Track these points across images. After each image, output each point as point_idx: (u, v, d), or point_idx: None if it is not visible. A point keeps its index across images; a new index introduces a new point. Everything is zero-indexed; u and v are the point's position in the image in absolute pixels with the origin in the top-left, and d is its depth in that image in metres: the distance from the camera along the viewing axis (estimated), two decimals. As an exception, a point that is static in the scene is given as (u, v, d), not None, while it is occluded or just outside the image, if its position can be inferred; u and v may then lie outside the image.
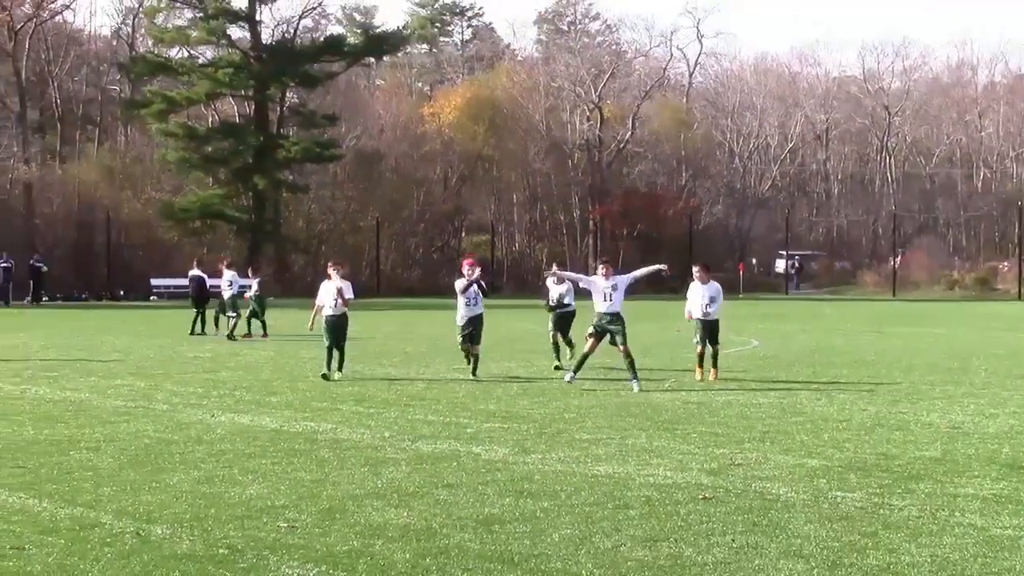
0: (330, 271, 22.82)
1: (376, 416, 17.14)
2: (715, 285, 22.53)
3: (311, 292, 38.59)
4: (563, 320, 24.23)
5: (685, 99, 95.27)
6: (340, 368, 22.30)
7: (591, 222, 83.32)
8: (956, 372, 23.91)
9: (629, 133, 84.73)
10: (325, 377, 21.73)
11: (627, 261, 78.26)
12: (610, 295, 20.73)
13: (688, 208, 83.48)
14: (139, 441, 14.79)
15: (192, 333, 33.88)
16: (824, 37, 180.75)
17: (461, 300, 22.37)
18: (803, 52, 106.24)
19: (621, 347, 20.41)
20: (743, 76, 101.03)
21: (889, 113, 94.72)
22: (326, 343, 22.18)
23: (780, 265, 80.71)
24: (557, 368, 23.32)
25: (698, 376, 21.98)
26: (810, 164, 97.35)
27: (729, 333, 34.17)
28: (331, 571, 8.66)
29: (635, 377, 20.22)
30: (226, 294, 33.46)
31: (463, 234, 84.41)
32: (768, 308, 56.55)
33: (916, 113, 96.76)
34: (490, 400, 18.66)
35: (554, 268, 24.29)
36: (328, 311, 22.18)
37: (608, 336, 20.63)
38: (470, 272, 22.61)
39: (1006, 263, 76.89)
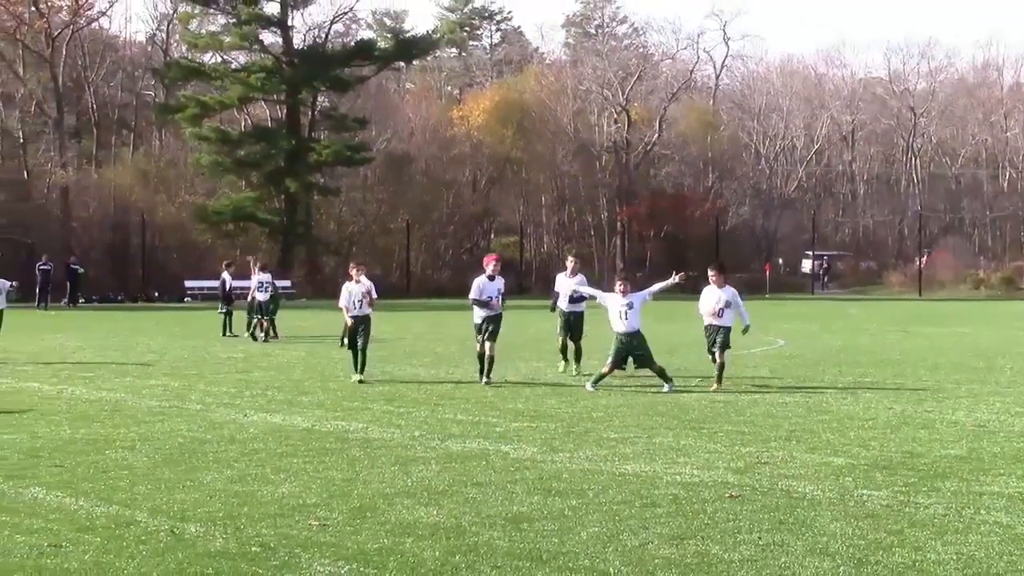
0: (352, 272, 22.37)
1: (406, 415, 17.17)
2: (731, 290, 20.97)
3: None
4: (575, 323, 23.01)
5: (712, 101, 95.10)
6: (362, 370, 21.66)
7: (618, 223, 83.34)
8: (982, 371, 23.83)
9: (656, 135, 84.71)
10: (361, 382, 21.28)
11: (654, 262, 78.62)
12: (625, 313, 19.99)
13: (715, 209, 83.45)
14: (173, 440, 14.85)
15: (224, 335, 33.90)
16: (850, 38, 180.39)
17: (483, 298, 21.15)
18: (829, 54, 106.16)
19: (649, 367, 20.09)
20: (769, 78, 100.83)
21: (915, 114, 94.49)
22: (350, 346, 21.98)
23: (807, 265, 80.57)
24: (565, 369, 22.91)
25: (713, 388, 20.30)
26: (836, 165, 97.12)
27: (757, 332, 34.08)
28: (362, 569, 8.68)
29: (667, 380, 19.82)
30: (260, 296, 33.40)
31: (492, 235, 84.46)
32: (794, 308, 56.43)
33: (942, 114, 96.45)
34: (518, 399, 18.66)
35: (572, 259, 23.95)
36: (355, 312, 21.76)
37: (633, 360, 20.24)
38: (494, 268, 21.39)
39: (1030, 263, 76.66)
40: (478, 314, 21.21)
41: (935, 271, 75.99)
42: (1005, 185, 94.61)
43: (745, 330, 21.39)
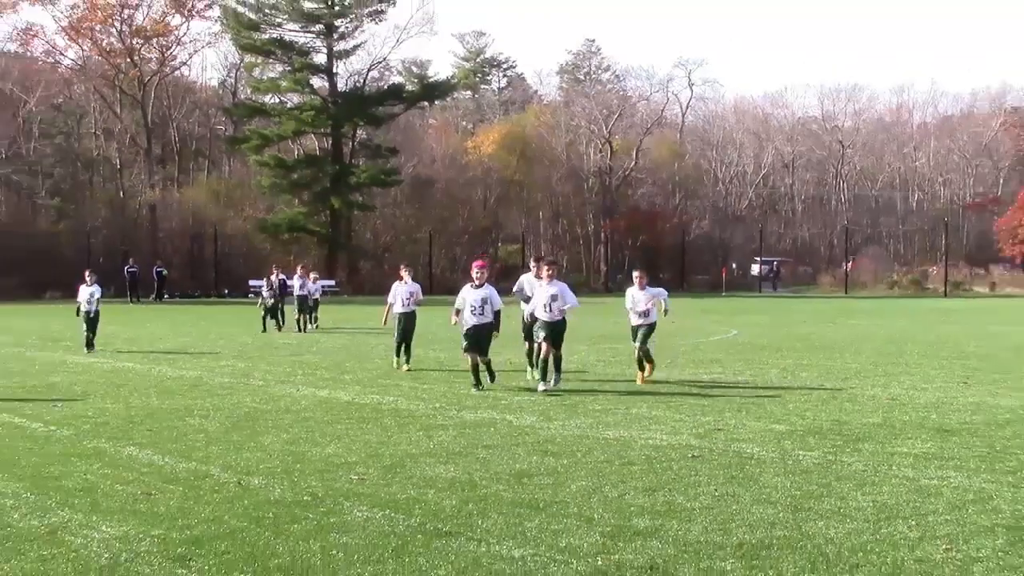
0: (403, 273, 21.30)
1: (428, 391, 17.22)
2: (653, 291, 18.35)
3: (377, 290, 38.25)
4: (556, 330, 17.04)
5: (679, 134, 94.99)
6: (408, 361, 20.39)
7: (602, 234, 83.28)
8: (894, 355, 23.87)
9: (633, 162, 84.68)
10: (401, 367, 20.32)
11: (632, 266, 78.34)
12: (549, 306, 16.85)
13: (681, 223, 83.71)
14: (240, 410, 14.94)
15: (280, 328, 33.51)
16: (791, 84, 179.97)
17: (467, 307, 17.12)
18: (774, 96, 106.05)
19: (554, 350, 16.77)
20: (725, 116, 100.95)
21: (843, 146, 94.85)
22: (396, 339, 20.68)
23: (755, 269, 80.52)
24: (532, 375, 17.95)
25: (638, 380, 17.98)
26: (779, 187, 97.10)
27: (714, 325, 34.07)
28: (392, 515, 8.74)
29: (557, 372, 16.96)
30: (302, 294, 33.08)
31: (499, 244, 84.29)
32: (745, 304, 56.38)
33: (864, 146, 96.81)
34: (520, 379, 18.65)
35: (542, 266, 17.81)
36: (399, 308, 20.65)
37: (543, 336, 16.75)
38: (480, 275, 17.17)
39: (935, 267, 76.61)
40: (465, 322, 17.21)
41: (858, 274, 75.96)
42: (914, 204, 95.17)
43: (666, 312, 18.87)
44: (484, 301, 17.07)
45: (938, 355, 23.91)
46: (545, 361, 16.73)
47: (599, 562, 7.41)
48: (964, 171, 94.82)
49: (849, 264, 77.58)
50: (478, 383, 17.05)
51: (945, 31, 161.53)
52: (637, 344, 18.06)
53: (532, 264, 18.85)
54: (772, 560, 7.47)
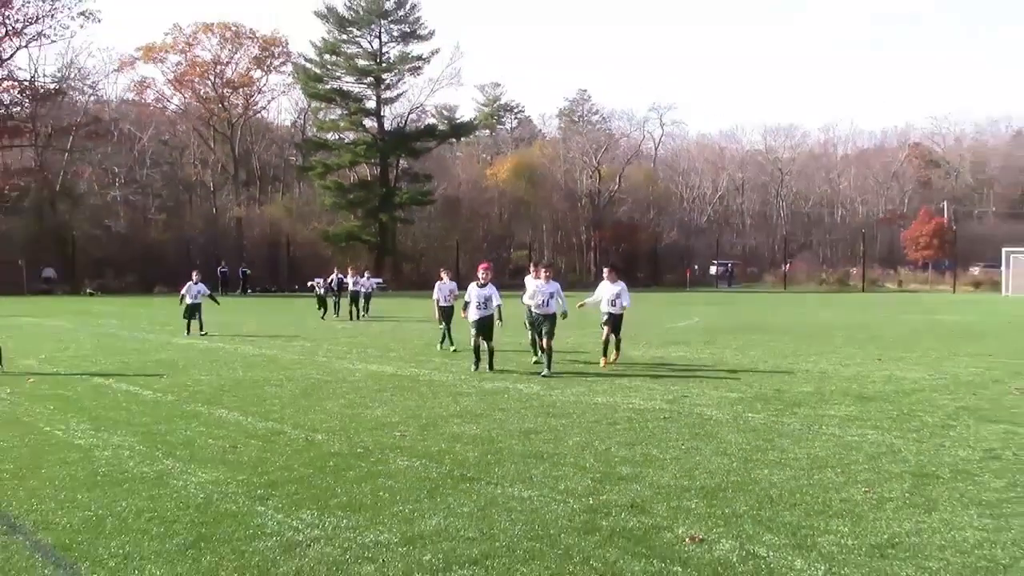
0: (443, 274, 20.99)
1: (455, 366, 17.20)
2: (622, 284, 16.89)
3: (416, 286, 38.01)
4: (553, 321, 16.06)
5: (653, 164, 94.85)
6: (451, 343, 19.57)
7: (592, 242, 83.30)
8: (823, 337, 23.79)
9: (616, 186, 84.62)
10: (455, 351, 19.30)
11: (615, 268, 78.20)
12: (547, 301, 16.00)
13: (654, 234, 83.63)
14: (307, 380, 14.95)
15: (337, 315, 33.42)
16: (740, 123, 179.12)
17: (473, 302, 16.23)
18: (728, 133, 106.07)
19: (548, 341, 15.74)
20: (689, 149, 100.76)
21: (782, 173, 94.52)
22: (441, 325, 19.89)
23: (713, 269, 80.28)
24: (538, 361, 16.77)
25: (602, 364, 16.60)
26: (731, 205, 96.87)
27: (680, 314, 33.96)
28: (427, 463, 8.74)
29: (549, 365, 15.60)
30: (362, 288, 33.15)
31: (511, 250, 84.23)
32: (704, 298, 56.26)
33: (799, 173, 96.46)
34: (530, 357, 18.61)
35: (540, 269, 16.93)
36: (443, 303, 19.98)
37: (541, 334, 16.03)
38: (484, 275, 16.41)
39: (855, 268, 76.27)
40: (472, 315, 16.26)
41: (794, 273, 75.82)
42: (839, 219, 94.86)
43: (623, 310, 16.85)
44: (487, 298, 16.19)
45: (856, 338, 23.83)
46: (547, 351, 15.66)
47: (591, 501, 7.40)
48: (877, 193, 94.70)
49: (787, 266, 77.39)
50: (477, 361, 16.22)
51: (862, 79, 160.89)
52: (605, 330, 16.77)
53: (532, 268, 18.02)
54: (728, 500, 7.44)
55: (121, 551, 6.20)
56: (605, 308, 16.71)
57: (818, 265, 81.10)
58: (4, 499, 7.45)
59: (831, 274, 75.71)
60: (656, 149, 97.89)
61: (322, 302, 32.95)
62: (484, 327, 16.22)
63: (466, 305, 16.54)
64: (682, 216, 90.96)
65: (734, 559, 6.09)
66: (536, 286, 16.32)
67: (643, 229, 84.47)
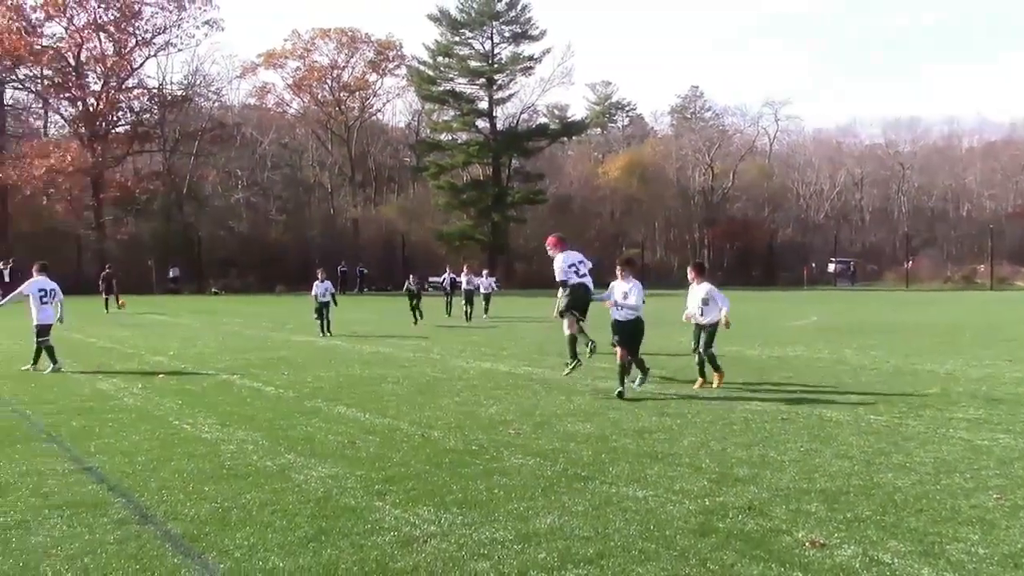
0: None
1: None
2: (707, 286, 13.62)
3: (528, 285, 37.97)
4: (627, 330, 12.77)
5: (767, 160, 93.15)
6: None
7: (705, 240, 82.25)
8: (949, 337, 22.94)
9: (730, 183, 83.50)
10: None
11: (729, 267, 77.22)
12: (620, 303, 12.74)
13: (769, 231, 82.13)
14: (423, 378, 15.08)
15: (448, 315, 33.04)
16: (859, 116, 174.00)
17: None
18: (846, 127, 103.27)
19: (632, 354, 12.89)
20: (805, 144, 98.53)
21: (903, 167, 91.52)
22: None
23: (831, 267, 78.35)
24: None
25: (696, 385, 13.56)
26: (850, 201, 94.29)
27: (797, 312, 33.17)
28: (541, 461, 8.71)
29: (643, 371, 13.35)
30: (481, 288, 32.88)
31: (623, 248, 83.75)
32: (822, 296, 54.91)
33: (921, 167, 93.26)
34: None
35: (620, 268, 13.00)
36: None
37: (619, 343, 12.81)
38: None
39: (982, 266, 73.36)
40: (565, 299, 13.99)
41: (917, 271, 73.35)
42: (964, 214, 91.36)
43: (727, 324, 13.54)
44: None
45: (986, 338, 22.88)
46: (622, 365, 12.75)
47: (707, 503, 7.27)
48: (1006, 186, 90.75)
49: (909, 263, 74.91)
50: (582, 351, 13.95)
51: (988, 69, 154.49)
52: (698, 347, 13.83)
53: (618, 270, 13.34)
54: (850, 504, 7.22)
55: (246, 542, 6.36)
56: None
57: (942, 262, 78.30)
58: (137, 490, 7.74)
59: (956, 272, 73.05)
60: (771, 145, 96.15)
61: (414, 301, 30.08)
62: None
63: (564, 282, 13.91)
64: (798, 213, 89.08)
65: (857, 565, 5.90)
66: (612, 286, 13.13)
67: (758, 226, 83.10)
